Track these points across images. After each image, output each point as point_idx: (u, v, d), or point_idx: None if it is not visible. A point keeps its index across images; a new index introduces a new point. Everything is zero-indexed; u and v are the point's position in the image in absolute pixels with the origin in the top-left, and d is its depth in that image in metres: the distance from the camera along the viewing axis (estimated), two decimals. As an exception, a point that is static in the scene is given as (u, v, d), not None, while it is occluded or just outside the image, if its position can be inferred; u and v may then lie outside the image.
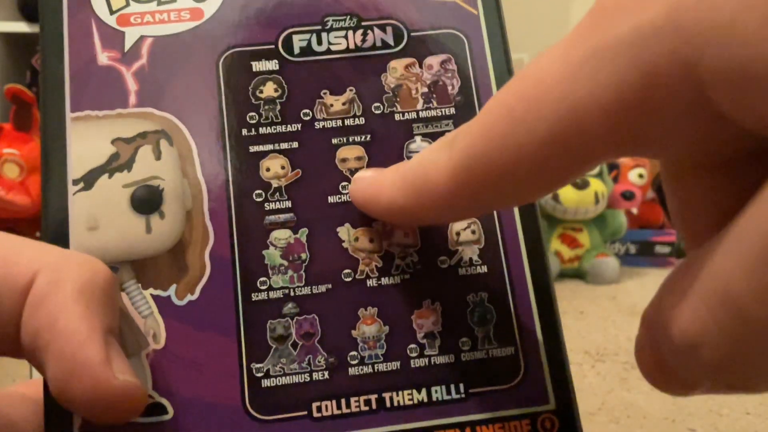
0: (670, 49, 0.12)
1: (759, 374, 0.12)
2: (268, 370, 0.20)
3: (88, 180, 0.22)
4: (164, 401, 0.20)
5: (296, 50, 0.23)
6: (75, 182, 0.22)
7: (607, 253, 1.27)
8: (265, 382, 0.20)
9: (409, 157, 0.23)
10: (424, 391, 0.21)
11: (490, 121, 0.15)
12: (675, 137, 0.13)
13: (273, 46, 0.23)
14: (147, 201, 0.22)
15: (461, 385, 0.21)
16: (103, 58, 0.23)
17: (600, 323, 0.98)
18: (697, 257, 0.12)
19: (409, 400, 0.20)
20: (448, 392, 0.21)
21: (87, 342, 0.18)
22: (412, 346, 0.21)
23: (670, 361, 0.13)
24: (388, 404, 0.20)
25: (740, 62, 0.11)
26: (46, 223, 0.21)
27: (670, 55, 0.12)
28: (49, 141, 0.22)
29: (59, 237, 0.21)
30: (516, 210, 0.22)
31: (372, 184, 0.20)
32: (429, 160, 0.17)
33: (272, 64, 0.23)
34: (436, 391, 0.21)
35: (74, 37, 0.23)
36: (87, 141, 0.22)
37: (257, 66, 0.23)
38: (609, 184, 1.27)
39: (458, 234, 0.22)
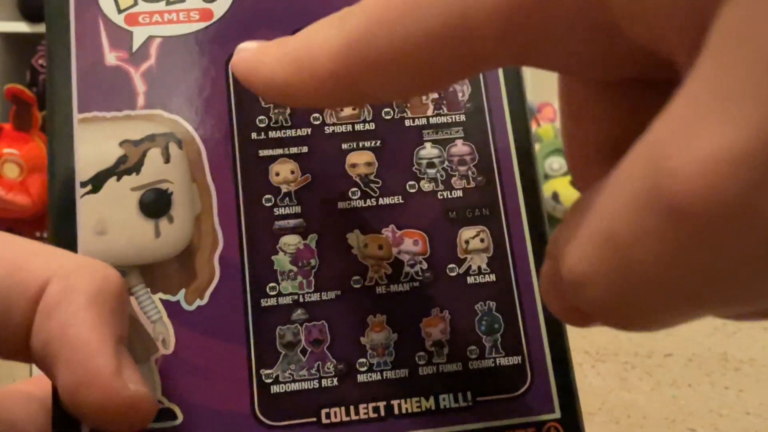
0: None
1: (640, 314, 0.12)
2: (277, 377, 0.21)
3: (96, 182, 0.22)
4: (174, 407, 0.20)
5: None
6: (83, 185, 0.21)
7: None
8: (275, 389, 0.20)
9: (419, 165, 0.23)
10: (431, 398, 0.21)
11: (383, 5, 0.14)
12: (568, 47, 0.13)
13: None
14: (156, 205, 0.22)
15: (468, 393, 0.21)
16: (111, 58, 0.23)
17: (600, 323, 0.98)
18: (589, 195, 0.12)
19: (417, 407, 0.21)
20: (456, 400, 0.21)
21: (98, 352, 0.18)
22: (421, 353, 0.21)
23: (566, 293, 0.13)
24: (396, 411, 0.21)
25: None
26: (53, 226, 0.21)
27: None
28: (55, 142, 0.22)
29: (67, 241, 0.21)
30: (524, 218, 0.22)
31: (254, 55, 0.18)
32: (316, 36, 0.16)
33: None
34: (443, 399, 0.21)
35: (81, 36, 0.23)
36: (94, 143, 0.22)
37: None
38: None
39: (467, 242, 0.22)
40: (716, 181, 0.09)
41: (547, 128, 1.46)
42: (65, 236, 0.21)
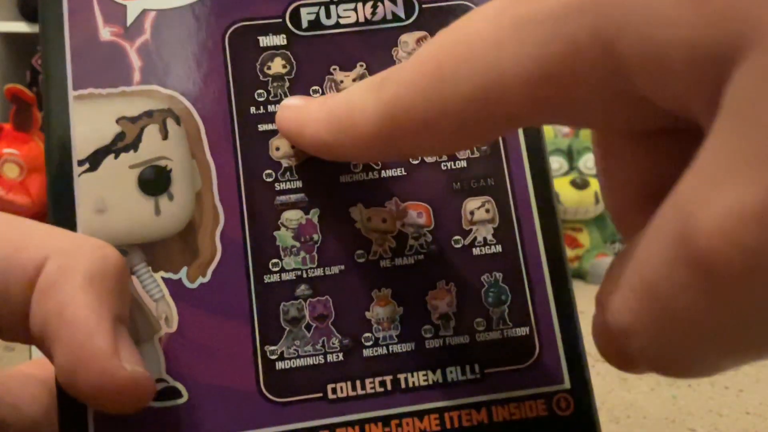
0: (591, 25, 0.12)
1: (684, 362, 0.12)
2: (282, 353, 0.20)
3: (94, 161, 0.21)
4: (178, 385, 0.20)
5: (304, 24, 0.23)
6: (80, 163, 0.21)
7: (608, 253, 1.27)
8: (280, 365, 0.20)
9: None
10: (439, 372, 0.20)
11: (420, 72, 0.15)
12: (594, 109, 0.14)
13: (280, 20, 0.23)
14: (155, 182, 0.21)
15: (476, 366, 0.21)
16: (105, 33, 0.22)
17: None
18: (630, 246, 0.13)
19: (424, 381, 0.20)
20: (463, 373, 0.20)
21: (95, 332, 0.17)
22: (427, 326, 0.21)
23: (616, 341, 0.14)
24: (403, 385, 0.20)
25: (655, 43, 0.11)
26: (52, 205, 0.21)
27: (591, 31, 0.12)
28: (52, 120, 0.21)
29: (66, 220, 0.21)
30: (531, 188, 0.22)
31: (298, 114, 0.20)
32: (356, 101, 0.17)
33: (280, 39, 0.22)
34: (451, 372, 0.20)
35: (74, 11, 0.22)
36: (91, 120, 0.21)
37: (264, 41, 0.22)
38: None
39: (472, 213, 0.22)
40: (735, 237, 0.10)
41: (547, 128, 1.45)
42: (64, 216, 0.21)
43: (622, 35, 0.12)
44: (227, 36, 0.22)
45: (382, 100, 0.16)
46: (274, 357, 0.20)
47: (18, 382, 0.24)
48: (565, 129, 1.40)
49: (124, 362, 0.18)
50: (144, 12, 0.22)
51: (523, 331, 0.21)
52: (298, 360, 0.20)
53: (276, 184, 0.21)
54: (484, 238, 0.22)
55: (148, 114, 0.22)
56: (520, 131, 0.22)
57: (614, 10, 0.12)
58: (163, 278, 0.21)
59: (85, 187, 0.21)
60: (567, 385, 0.21)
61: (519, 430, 0.20)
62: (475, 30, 0.14)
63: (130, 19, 0.22)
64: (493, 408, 0.20)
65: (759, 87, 0.10)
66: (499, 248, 0.21)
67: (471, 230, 0.22)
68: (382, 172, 0.22)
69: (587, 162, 1.25)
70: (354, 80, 0.22)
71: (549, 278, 0.21)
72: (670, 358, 0.13)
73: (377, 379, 0.20)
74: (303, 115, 0.20)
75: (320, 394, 0.20)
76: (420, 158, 0.22)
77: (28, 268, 0.18)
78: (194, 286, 0.21)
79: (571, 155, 1.25)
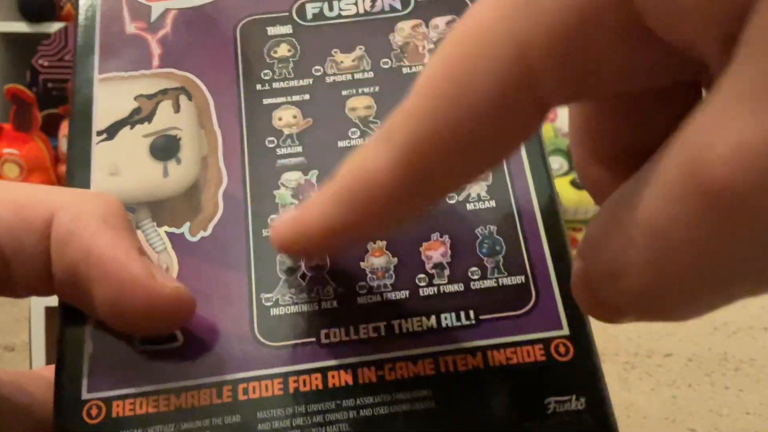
0: None
1: (676, 301, 0.12)
2: (277, 300, 0.21)
3: (111, 131, 0.23)
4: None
5: (309, 16, 0.25)
6: (98, 133, 0.23)
7: None
8: (274, 311, 0.20)
9: None
10: (433, 318, 0.20)
11: (432, 94, 0.14)
12: (611, 63, 0.13)
13: (287, 14, 0.25)
14: (165, 148, 0.23)
15: (471, 312, 0.20)
16: (131, 28, 0.25)
17: (600, 323, 0.96)
18: (621, 193, 0.13)
19: (419, 326, 0.20)
20: (458, 319, 0.20)
21: (128, 261, 0.18)
22: (421, 275, 0.21)
23: (599, 290, 0.14)
24: (396, 331, 0.20)
25: None
26: (70, 170, 0.22)
27: None
28: (77, 99, 0.23)
29: (82, 182, 0.22)
30: (522, 147, 0.22)
31: (295, 217, 0.17)
32: (365, 163, 0.15)
33: (286, 29, 0.25)
34: (445, 318, 0.20)
35: (105, 10, 0.25)
36: (112, 98, 0.23)
37: (272, 30, 0.25)
38: None
39: (466, 172, 0.22)
40: (748, 165, 0.10)
41: (547, 128, 1.44)
42: (80, 178, 0.22)
43: None
44: (239, 27, 0.25)
45: (398, 142, 0.14)
46: (269, 304, 0.21)
47: (34, 384, 0.25)
48: (565, 129, 1.39)
49: (164, 282, 0.19)
50: (166, 10, 0.25)
51: (518, 279, 0.21)
52: (292, 307, 0.20)
53: (277, 149, 0.23)
54: (478, 194, 0.22)
55: (163, 92, 0.24)
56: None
57: None
58: (166, 232, 0.22)
59: (101, 153, 0.22)
60: (565, 330, 0.20)
61: (516, 374, 0.19)
62: (477, 18, 0.13)
63: (153, 17, 0.25)
64: (489, 353, 0.20)
65: None
66: (492, 203, 0.22)
67: (464, 187, 0.22)
68: None
69: None
70: (353, 60, 0.24)
71: (543, 229, 0.21)
72: (662, 298, 0.12)
73: (371, 325, 0.20)
74: (302, 214, 0.17)
75: (313, 339, 0.20)
76: None
77: (37, 223, 0.19)
78: (195, 239, 0.21)
79: (570, 155, 1.23)
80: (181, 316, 0.19)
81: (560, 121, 1.50)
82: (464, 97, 0.13)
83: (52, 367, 0.27)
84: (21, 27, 1.66)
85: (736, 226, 0.10)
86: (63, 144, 1.36)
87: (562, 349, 0.20)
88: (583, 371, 0.19)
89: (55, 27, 1.64)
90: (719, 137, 0.10)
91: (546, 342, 0.20)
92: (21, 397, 0.23)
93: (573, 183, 1.21)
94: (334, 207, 0.16)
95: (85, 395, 0.19)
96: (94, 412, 0.19)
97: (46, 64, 1.55)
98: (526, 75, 0.13)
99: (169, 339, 0.20)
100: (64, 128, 1.36)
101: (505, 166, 0.22)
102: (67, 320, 0.20)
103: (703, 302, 0.12)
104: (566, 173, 1.35)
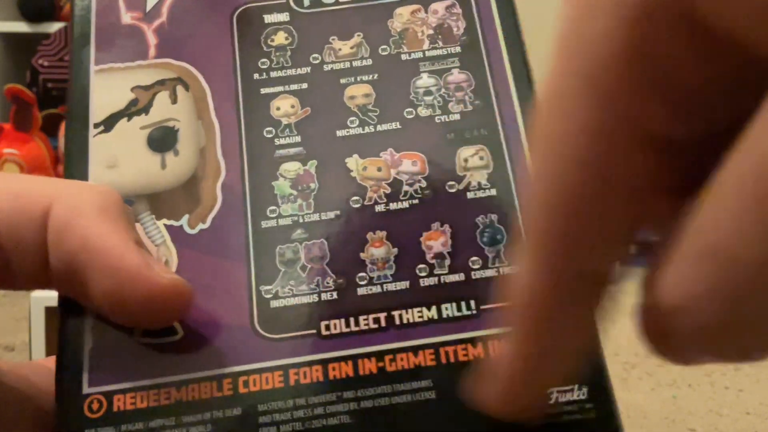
0: None
1: (755, 334, 0.11)
2: (276, 292, 0.20)
3: (108, 123, 0.23)
4: (174, 323, 0.20)
5: (306, 3, 0.24)
6: (96, 126, 0.23)
7: None
8: (274, 303, 0.20)
9: (416, 93, 0.23)
10: (434, 308, 0.20)
11: (549, 147, 0.12)
12: (672, 71, 0.11)
13: (284, 1, 0.24)
14: (162, 140, 0.22)
15: (472, 302, 0.20)
16: (127, 18, 0.24)
17: (599, 323, 0.98)
18: (687, 216, 0.11)
19: (419, 317, 0.20)
20: (459, 309, 0.20)
21: (126, 252, 0.18)
22: (422, 266, 0.21)
23: (667, 330, 0.12)
24: (397, 322, 0.20)
25: None
26: (67, 164, 0.22)
27: None
28: (74, 92, 0.23)
29: (79, 175, 0.22)
30: (523, 138, 0.22)
31: (494, 381, 0.15)
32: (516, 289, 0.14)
33: (283, 16, 0.24)
34: (446, 309, 0.20)
35: (101, 3, 0.25)
36: (108, 90, 0.23)
37: (269, 18, 0.24)
38: None
39: (466, 160, 0.22)
40: None
41: None
42: (78, 171, 0.22)
43: None
44: (235, 15, 0.24)
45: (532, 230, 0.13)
46: (268, 296, 0.20)
47: (38, 374, 0.25)
48: None
49: (162, 273, 0.18)
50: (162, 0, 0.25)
51: None
52: (292, 299, 0.20)
53: (276, 140, 0.22)
54: (479, 183, 0.22)
55: (161, 82, 0.23)
56: (513, 87, 0.23)
57: None
58: (165, 225, 0.21)
59: (99, 146, 0.22)
60: None
61: None
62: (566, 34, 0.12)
63: (149, 6, 0.25)
64: (490, 343, 0.20)
65: None
66: (493, 192, 0.22)
67: (465, 176, 0.22)
68: (378, 126, 0.23)
69: None
70: (352, 48, 0.24)
71: None
72: (736, 332, 0.11)
73: (371, 316, 0.20)
74: (495, 371, 0.15)
75: (313, 331, 0.20)
76: (415, 113, 0.23)
77: (35, 213, 0.19)
78: (194, 231, 0.21)
79: None
80: (178, 307, 0.19)
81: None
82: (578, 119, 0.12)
83: (50, 359, 0.27)
84: (21, 27, 1.66)
85: None
86: (63, 144, 1.35)
87: None
88: (584, 360, 0.19)
89: (55, 27, 1.64)
90: None
91: None
92: (24, 388, 0.23)
93: None
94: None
95: (86, 389, 0.19)
96: (95, 406, 0.19)
97: (46, 64, 1.55)
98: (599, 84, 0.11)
99: (168, 332, 0.20)
100: (64, 128, 1.36)
101: (506, 157, 0.22)
102: (67, 315, 0.20)
103: None
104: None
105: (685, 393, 0.73)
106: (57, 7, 1.68)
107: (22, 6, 1.65)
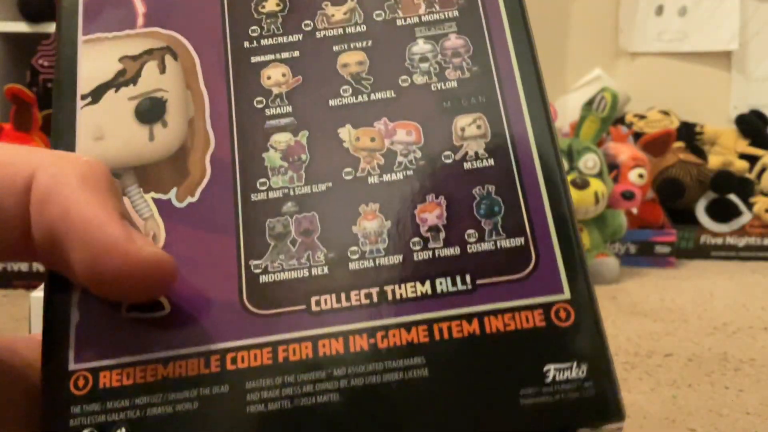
0: None
1: None
2: (266, 267, 0.20)
3: (96, 95, 0.22)
4: (161, 298, 0.20)
5: None
6: (83, 97, 0.22)
7: (607, 253, 1.25)
8: (263, 278, 0.20)
9: (411, 60, 0.22)
10: (428, 283, 0.19)
11: None
12: None
13: None
14: (150, 111, 0.22)
15: (467, 277, 0.19)
16: (114, -14, 0.24)
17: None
18: None
19: (413, 292, 0.19)
20: (454, 284, 0.19)
21: (106, 223, 0.18)
22: (416, 239, 0.20)
23: None
24: (389, 297, 0.19)
25: None
26: (54, 135, 0.22)
27: None
28: (61, 63, 0.23)
29: (66, 147, 0.21)
30: (524, 103, 0.21)
31: None
32: None
33: None
34: (440, 283, 0.19)
35: None
36: (96, 60, 0.23)
37: None
38: (609, 184, 1.24)
39: (463, 129, 0.21)
40: None
41: None
42: (65, 143, 0.21)
43: None
44: None
45: None
46: (258, 271, 0.20)
47: (26, 346, 0.25)
48: (565, 129, 1.36)
49: (143, 246, 0.18)
50: (150, -34, 0.24)
51: (517, 241, 0.20)
52: (282, 273, 0.20)
53: (266, 110, 0.22)
54: (476, 153, 0.21)
55: (148, 52, 0.23)
56: (512, 51, 0.22)
57: None
58: (153, 198, 0.21)
59: (86, 118, 0.22)
60: (566, 295, 0.19)
61: (514, 341, 0.19)
62: None
63: None
64: (486, 319, 0.19)
65: None
66: (491, 162, 0.21)
67: (462, 146, 0.21)
68: (372, 94, 0.22)
69: (587, 162, 1.22)
70: (345, 13, 0.23)
71: (544, 188, 0.20)
72: None
73: (363, 291, 0.19)
74: None
75: (303, 306, 0.19)
76: (410, 80, 0.22)
77: (17, 183, 0.18)
78: (183, 205, 0.21)
79: (571, 155, 1.21)
80: (160, 281, 0.18)
81: (560, 121, 1.47)
82: None
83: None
84: (21, 27, 1.65)
85: None
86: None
87: (562, 314, 0.19)
88: (584, 337, 0.19)
89: (55, 27, 1.62)
90: None
91: (546, 307, 0.19)
92: (15, 361, 0.22)
93: (573, 183, 1.19)
94: None
95: (72, 366, 0.19)
96: (81, 383, 0.19)
97: (46, 64, 1.54)
98: None
99: (156, 307, 0.19)
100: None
101: (505, 126, 0.21)
102: (53, 290, 0.20)
103: None
104: (566, 173, 1.33)
105: (685, 393, 0.73)
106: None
107: (22, 6, 1.64)
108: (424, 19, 0.23)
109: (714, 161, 1.50)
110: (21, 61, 1.71)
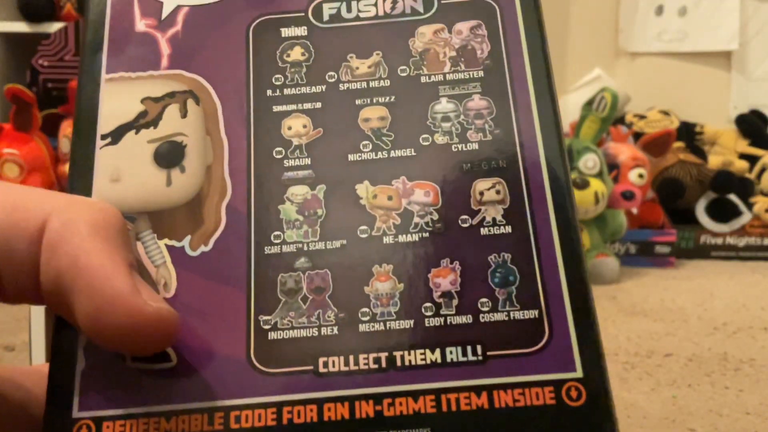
0: None
1: None
2: (275, 323, 0.20)
3: (116, 135, 0.22)
4: (168, 349, 0.19)
5: (325, 17, 0.23)
6: (103, 137, 0.22)
7: (607, 253, 1.24)
8: (272, 335, 0.20)
9: (434, 119, 0.22)
10: (438, 351, 0.19)
11: None
12: None
13: (303, 14, 0.24)
14: (169, 155, 0.22)
15: (479, 347, 0.19)
16: (141, 25, 0.24)
17: (600, 323, 0.97)
18: None
19: (422, 360, 0.19)
20: (464, 354, 0.19)
21: (113, 275, 0.18)
22: (428, 304, 0.20)
23: None
24: (398, 363, 0.19)
25: None
26: (72, 175, 0.22)
27: None
28: (82, 100, 0.23)
29: (83, 188, 0.21)
30: (545, 170, 0.21)
31: None
32: None
33: (301, 30, 0.23)
34: (451, 352, 0.19)
35: (116, 8, 0.24)
36: (118, 100, 0.23)
37: (286, 32, 0.23)
38: (609, 184, 1.24)
39: (482, 194, 0.21)
40: None
41: None
42: (82, 184, 0.21)
43: None
44: (252, 27, 0.23)
45: None
46: (267, 327, 0.20)
47: (31, 380, 0.24)
48: (565, 129, 1.36)
49: (148, 300, 0.18)
50: (178, 7, 0.24)
51: (531, 314, 0.19)
52: (291, 331, 0.20)
53: (285, 161, 0.22)
54: (493, 219, 0.21)
55: (171, 95, 0.23)
56: (536, 116, 0.22)
57: None
58: (166, 245, 0.21)
59: (105, 158, 0.22)
60: (579, 373, 0.19)
61: (523, 418, 0.18)
62: None
63: (164, 14, 0.24)
64: (495, 393, 0.19)
65: None
66: (508, 229, 0.20)
67: (480, 210, 0.21)
68: (392, 151, 0.22)
69: (587, 162, 1.21)
70: (369, 67, 0.23)
71: (561, 260, 0.20)
72: None
73: (371, 356, 0.19)
74: None
75: (310, 367, 0.19)
76: (431, 139, 0.22)
77: (30, 227, 0.18)
78: (196, 254, 0.21)
79: (570, 155, 1.21)
80: (162, 338, 0.18)
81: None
82: None
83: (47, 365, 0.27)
84: (21, 27, 1.66)
85: None
86: (63, 144, 1.35)
87: (573, 393, 0.18)
88: (595, 420, 0.18)
89: (55, 27, 1.64)
90: None
91: (557, 384, 0.19)
92: (17, 393, 0.22)
93: (573, 183, 1.19)
94: None
95: (76, 413, 0.19)
96: (84, 431, 0.19)
97: (46, 64, 1.55)
98: None
99: (162, 358, 0.19)
100: (64, 128, 1.35)
101: (525, 193, 0.21)
102: (61, 333, 0.20)
103: None
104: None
105: (685, 393, 0.72)
106: (57, 7, 1.69)
107: (22, 6, 1.66)
108: (448, 77, 0.22)
109: (714, 161, 1.49)
110: (21, 61, 1.71)
